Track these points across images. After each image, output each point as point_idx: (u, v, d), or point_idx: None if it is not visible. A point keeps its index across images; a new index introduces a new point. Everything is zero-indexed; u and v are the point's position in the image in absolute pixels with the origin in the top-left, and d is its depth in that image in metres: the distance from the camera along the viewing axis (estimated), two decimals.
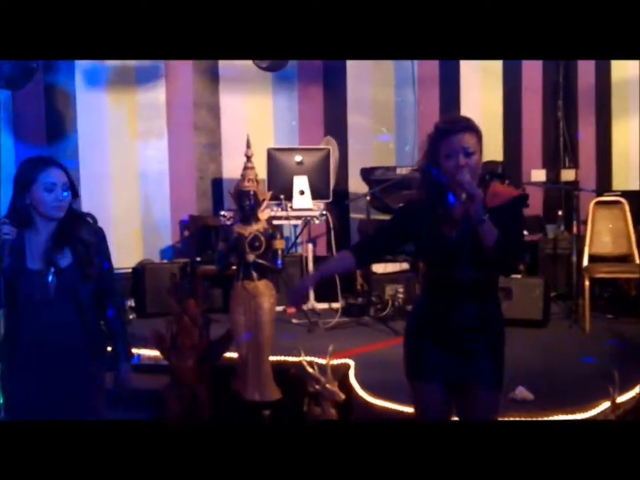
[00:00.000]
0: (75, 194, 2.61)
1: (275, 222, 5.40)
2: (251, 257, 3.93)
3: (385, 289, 5.63)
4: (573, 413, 3.50)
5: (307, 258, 5.95)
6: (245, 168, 4.03)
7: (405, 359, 2.59)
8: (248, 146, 4.11)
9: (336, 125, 6.47)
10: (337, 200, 6.08)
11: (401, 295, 5.61)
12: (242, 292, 3.99)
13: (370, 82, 6.65)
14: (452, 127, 2.39)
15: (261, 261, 3.96)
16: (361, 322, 5.48)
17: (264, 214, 4.06)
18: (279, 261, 4.01)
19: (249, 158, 4.06)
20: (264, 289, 4.00)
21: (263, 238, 3.96)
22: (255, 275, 3.97)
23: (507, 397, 3.67)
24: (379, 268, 5.85)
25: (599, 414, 3.43)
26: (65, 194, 2.54)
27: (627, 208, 5.36)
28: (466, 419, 2.56)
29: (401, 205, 2.69)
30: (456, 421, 2.64)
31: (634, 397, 3.55)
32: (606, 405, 3.37)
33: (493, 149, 6.74)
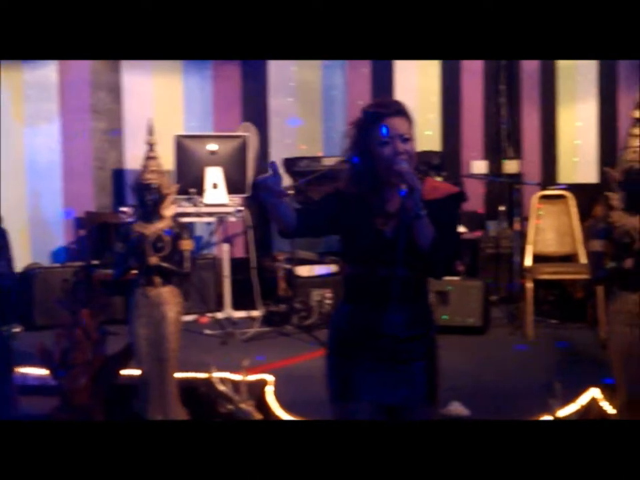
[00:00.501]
0: None
1: (184, 219, 5.35)
2: (154, 260, 3.89)
3: (311, 294, 5.66)
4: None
5: (222, 260, 5.95)
6: (147, 158, 3.99)
7: (327, 377, 2.54)
8: (150, 133, 4.07)
9: (256, 109, 6.51)
10: (255, 194, 6.08)
11: (328, 301, 5.64)
12: (143, 300, 3.95)
13: (294, 61, 6.67)
14: (385, 110, 2.39)
15: (165, 264, 3.93)
16: (282, 332, 5.50)
17: (169, 210, 4.01)
18: (186, 265, 3.99)
19: (151, 146, 4.02)
20: (168, 297, 3.97)
21: (167, 238, 3.93)
22: (158, 280, 3.93)
23: (439, 413, 3.73)
24: (303, 271, 5.88)
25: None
26: None
27: (573, 203, 5.53)
28: None
29: (327, 192, 2.64)
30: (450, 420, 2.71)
31: (578, 411, 3.66)
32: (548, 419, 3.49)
33: (429, 137, 6.89)
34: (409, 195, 2.25)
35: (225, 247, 5.95)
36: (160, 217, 3.96)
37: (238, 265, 5.98)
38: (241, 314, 5.78)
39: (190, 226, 6.18)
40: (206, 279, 6.04)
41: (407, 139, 2.37)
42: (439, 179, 5.95)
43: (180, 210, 5.37)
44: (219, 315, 5.76)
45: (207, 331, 5.46)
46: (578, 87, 6.67)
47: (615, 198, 3.36)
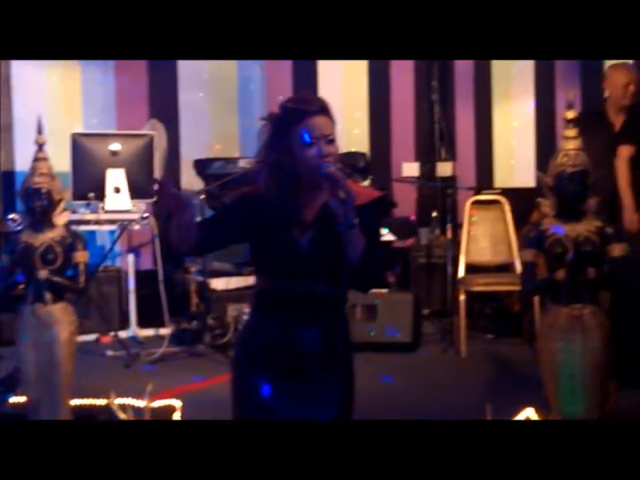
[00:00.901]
0: None
1: (83, 227, 5.37)
2: (44, 274, 3.81)
3: (227, 310, 5.67)
4: None
5: (126, 273, 5.93)
6: (36, 159, 3.92)
7: (232, 397, 2.52)
8: (39, 131, 4.00)
9: (164, 104, 6.52)
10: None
11: (247, 317, 5.64)
12: (32, 319, 3.86)
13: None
14: (307, 107, 2.35)
15: (56, 278, 3.85)
16: (194, 351, 5.47)
17: (61, 218, 3.94)
18: (81, 279, 3.92)
19: (40, 146, 3.95)
20: (61, 315, 3.89)
21: (59, 249, 3.85)
22: (48, 296, 3.85)
23: None
24: (218, 284, 5.88)
25: None
26: None
27: (508, 208, 5.65)
28: None
29: (237, 195, 2.62)
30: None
31: None
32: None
33: (356, 136, 7.03)
34: (342, 202, 2.21)
35: (130, 257, 5.92)
36: (51, 226, 3.88)
37: (145, 277, 5.96)
38: (148, 332, 5.78)
39: (90, 234, 6.15)
40: (109, 294, 6.01)
41: (332, 140, 2.35)
42: (366, 182, 6.05)
43: (77, 217, 5.40)
44: (123, 334, 5.73)
45: (110, 352, 5.42)
46: (514, 84, 6.86)
47: (547, 204, 3.43)
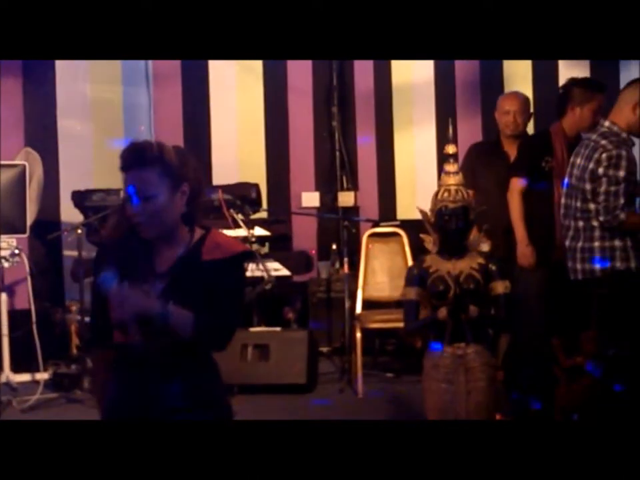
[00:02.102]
0: None
1: None
2: None
3: None
4: None
5: None
6: None
7: None
8: None
9: (42, 131, 6.45)
10: (42, 233, 6.00)
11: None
12: None
13: (86, 76, 6.67)
14: (124, 161, 2.35)
15: None
16: (72, 397, 5.39)
17: None
18: None
19: None
20: None
21: None
22: None
23: None
24: None
25: None
26: None
27: (406, 241, 5.71)
28: None
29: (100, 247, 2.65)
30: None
31: None
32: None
33: (253, 165, 7.07)
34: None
35: (3, 297, 5.79)
36: None
37: (20, 318, 5.86)
38: (23, 377, 5.67)
39: None
40: None
41: (149, 197, 2.32)
42: (257, 215, 6.10)
43: None
44: None
45: None
46: (414, 108, 6.98)
47: (429, 240, 3.53)
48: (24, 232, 5.69)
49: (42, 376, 5.50)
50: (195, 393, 2.40)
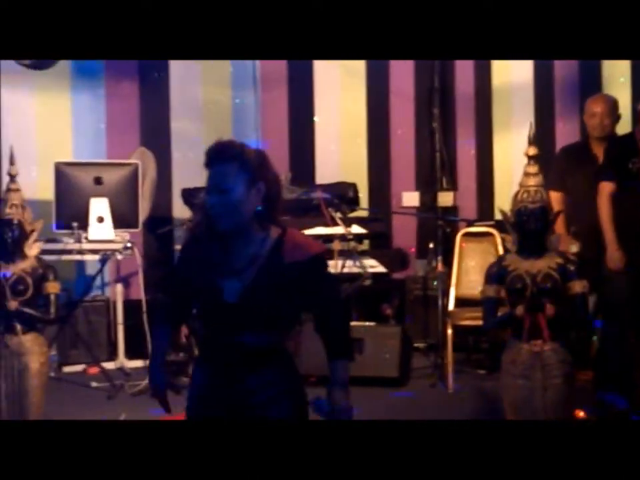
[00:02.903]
0: None
1: (64, 257, 5.46)
2: (13, 305, 3.92)
3: None
4: None
5: (115, 303, 5.99)
6: (8, 190, 4.05)
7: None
8: (11, 162, 4.12)
9: (156, 132, 6.57)
10: (155, 228, 6.17)
11: None
12: (2, 350, 3.98)
13: (199, 79, 6.79)
14: (208, 156, 2.40)
15: (26, 309, 3.96)
16: (178, 384, 5.54)
17: (33, 249, 4.06)
18: (52, 310, 4.03)
19: (12, 177, 4.07)
20: (31, 346, 4.01)
21: (29, 280, 3.98)
22: (19, 327, 3.97)
23: None
24: None
25: None
26: None
27: (499, 241, 5.59)
28: None
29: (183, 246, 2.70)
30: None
31: None
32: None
33: (354, 165, 7.08)
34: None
35: (119, 287, 5.96)
36: (22, 257, 4.00)
37: (134, 308, 5.89)
38: (136, 364, 5.80)
39: (79, 265, 6.28)
40: (97, 324, 6.05)
41: (225, 190, 2.35)
42: (354, 213, 6.15)
43: (59, 247, 5.49)
44: (111, 365, 5.77)
45: (94, 384, 5.47)
46: (514, 111, 6.89)
47: (509, 240, 3.57)
48: (136, 227, 5.84)
49: None
50: (268, 392, 2.41)
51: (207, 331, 2.49)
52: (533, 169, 3.56)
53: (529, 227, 3.45)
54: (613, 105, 5.20)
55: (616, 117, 5.19)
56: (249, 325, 2.39)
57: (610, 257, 4.54)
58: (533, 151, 3.59)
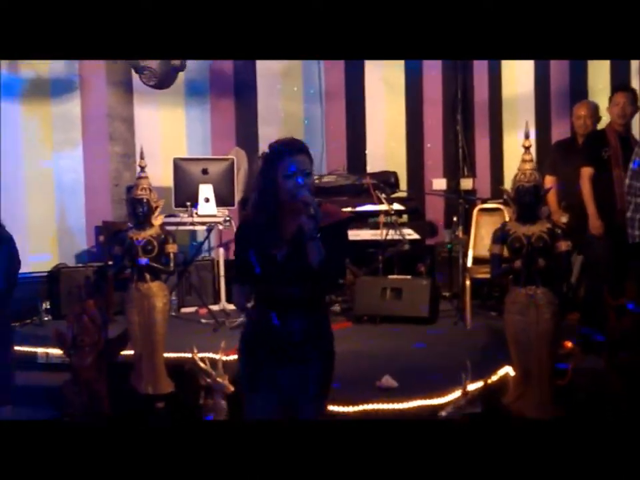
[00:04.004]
0: None
1: (181, 228, 5.54)
2: (144, 260, 4.05)
3: None
4: (429, 398, 3.72)
5: (218, 262, 6.06)
6: (139, 177, 4.15)
7: (240, 372, 2.54)
8: (141, 157, 4.21)
9: (247, 136, 6.57)
10: (246, 206, 6.22)
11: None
12: (136, 293, 4.11)
13: (279, 95, 6.80)
14: (289, 148, 2.36)
15: (153, 264, 4.08)
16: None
17: (157, 220, 4.16)
18: (172, 264, 4.15)
19: (142, 168, 4.17)
20: (157, 290, 4.13)
21: (155, 242, 4.09)
22: (148, 277, 4.09)
23: (373, 385, 3.93)
24: None
25: (450, 400, 3.64)
26: None
27: (507, 214, 5.57)
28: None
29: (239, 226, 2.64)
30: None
31: (482, 386, 3.82)
32: (457, 392, 3.60)
33: (396, 159, 7.04)
34: (309, 220, 2.23)
35: (220, 250, 6.03)
36: (150, 225, 4.12)
37: (230, 265, 5.92)
38: (233, 306, 5.71)
39: (192, 233, 6.41)
40: (205, 278, 6.13)
41: (308, 174, 2.34)
42: (394, 194, 6.15)
43: (177, 220, 5.56)
44: (215, 307, 5.84)
45: (203, 320, 5.56)
46: (519, 116, 6.73)
47: (510, 211, 3.56)
48: (233, 205, 5.90)
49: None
50: (309, 333, 2.39)
51: (264, 285, 2.40)
52: (528, 156, 3.53)
53: (525, 200, 3.43)
54: (594, 109, 5.10)
55: (597, 119, 5.09)
56: (295, 279, 2.33)
57: (592, 225, 4.47)
58: (527, 143, 3.57)
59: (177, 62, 3.85)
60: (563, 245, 3.44)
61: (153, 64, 3.80)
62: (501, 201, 5.97)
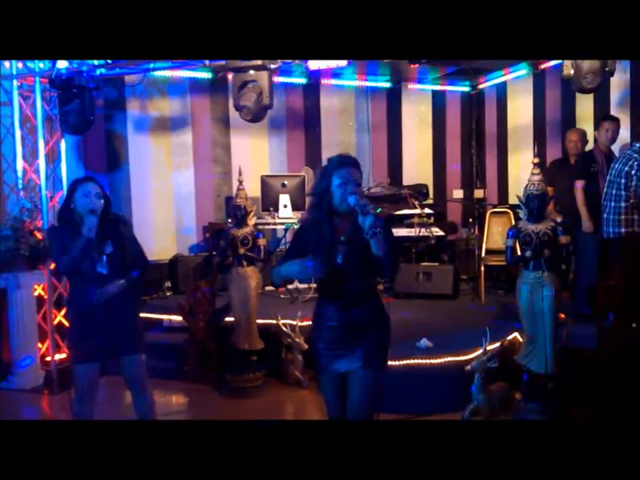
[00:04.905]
0: (108, 201, 2.60)
1: (266, 227, 5.49)
2: (242, 251, 4.07)
3: None
4: (457, 356, 3.69)
5: None
6: (238, 189, 4.17)
7: (312, 353, 2.32)
8: (240, 174, 4.23)
9: (313, 158, 6.52)
10: None
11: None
12: (236, 275, 4.13)
13: (337, 128, 6.72)
14: (344, 160, 2.19)
15: (249, 253, 4.10)
16: None
17: (251, 221, 4.18)
18: (263, 254, 4.16)
19: (240, 182, 4.19)
20: (251, 273, 4.14)
21: (250, 238, 4.10)
22: (245, 263, 4.10)
23: (413, 345, 3.90)
24: None
25: (473, 357, 3.59)
26: (97, 200, 2.56)
27: (512, 216, 5.49)
28: (356, 397, 2.18)
29: (299, 225, 2.43)
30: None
31: (499, 346, 3.77)
32: (479, 351, 3.56)
33: (425, 175, 6.94)
34: (367, 218, 2.01)
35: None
36: (246, 225, 4.13)
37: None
38: (303, 286, 5.74)
39: (273, 231, 6.42)
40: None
41: (358, 184, 2.15)
42: (427, 202, 6.05)
43: (264, 221, 5.53)
44: (291, 286, 5.74)
45: (282, 295, 5.53)
46: (520, 142, 6.57)
47: (521, 213, 3.44)
48: (304, 210, 5.76)
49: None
50: (369, 317, 2.18)
51: (323, 282, 2.20)
52: (536, 170, 3.41)
53: (534, 204, 3.33)
54: (583, 134, 4.91)
55: (585, 142, 4.90)
56: (350, 276, 2.12)
57: (584, 225, 4.33)
58: (536, 160, 3.44)
59: (266, 102, 3.81)
60: (564, 239, 3.34)
61: (250, 103, 3.77)
62: (507, 206, 5.89)
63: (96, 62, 4.31)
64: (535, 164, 3.43)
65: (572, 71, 3.22)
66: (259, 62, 3.76)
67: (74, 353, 2.65)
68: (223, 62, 4.25)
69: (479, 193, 6.89)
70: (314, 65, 4.01)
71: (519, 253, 3.44)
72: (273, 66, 3.84)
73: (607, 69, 3.11)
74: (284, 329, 4.20)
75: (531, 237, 3.33)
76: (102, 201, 2.60)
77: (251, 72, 3.82)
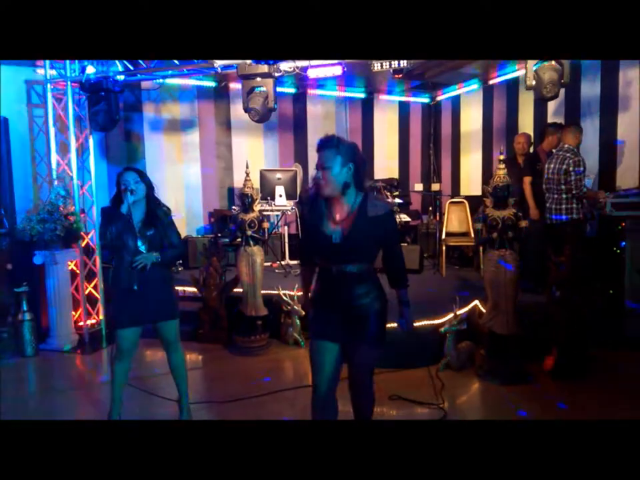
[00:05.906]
0: (150, 188, 2.50)
1: (264, 212, 5.32)
2: (249, 233, 3.92)
3: None
4: (431, 319, 3.61)
5: (284, 235, 5.88)
6: (245, 180, 3.99)
7: (310, 323, 2.02)
8: (247, 167, 4.04)
9: (302, 156, 6.36)
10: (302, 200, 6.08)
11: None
12: (244, 253, 3.98)
13: (321, 131, 6.42)
14: (317, 144, 1.87)
15: (255, 235, 3.95)
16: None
17: (257, 207, 4.03)
18: (265, 236, 4.03)
19: (247, 174, 4.01)
20: (257, 251, 3.99)
21: (256, 221, 3.95)
22: (251, 243, 3.95)
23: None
24: None
25: (446, 320, 3.52)
26: (136, 187, 2.45)
27: (467, 205, 5.46)
28: (355, 366, 1.97)
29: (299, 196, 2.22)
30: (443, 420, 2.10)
31: (468, 311, 3.69)
32: (450, 315, 3.49)
33: (392, 171, 6.82)
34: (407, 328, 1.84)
35: (286, 228, 5.85)
36: (252, 210, 3.96)
37: (293, 237, 5.87)
38: (294, 262, 5.68)
39: (267, 216, 6.21)
40: (276, 244, 5.90)
41: (327, 168, 1.81)
42: (396, 193, 5.93)
43: (263, 208, 5.35)
44: (283, 262, 5.68)
45: (277, 271, 5.41)
46: (471, 144, 6.52)
47: (488, 201, 3.35)
48: (295, 199, 5.67)
49: None
50: (363, 296, 1.92)
51: (322, 262, 1.92)
52: (502, 165, 3.30)
53: (499, 194, 3.23)
54: (529, 138, 4.83)
55: (530, 144, 4.84)
56: (349, 258, 1.86)
57: (532, 213, 4.28)
58: (501, 157, 3.33)
59: (271, 105, 3.58)
60: (523, 223, 3.26)
61: (257, 106, 3.54)
62: (462, 197, 5.82)
63: (120, 68, 4.06)
64: (500, 160, 3.33)
65: (534, 82, 3.08)
66: (266, 69, 3.52)
67: (118, 320, 2.52)
68: (228, 71, 4.00)
69: (435, 186, 6.82)
70: (313, 73, 3.78)
71: (485, 235, 3.36)
72: (276, 74, 3.61)
73: (562, 80, 2.99)
74: (284, 297, 4.09)
75: (496, 221, 3.25)
76: (142, 185, 2.50)
77: (258, 79, 3.60)
